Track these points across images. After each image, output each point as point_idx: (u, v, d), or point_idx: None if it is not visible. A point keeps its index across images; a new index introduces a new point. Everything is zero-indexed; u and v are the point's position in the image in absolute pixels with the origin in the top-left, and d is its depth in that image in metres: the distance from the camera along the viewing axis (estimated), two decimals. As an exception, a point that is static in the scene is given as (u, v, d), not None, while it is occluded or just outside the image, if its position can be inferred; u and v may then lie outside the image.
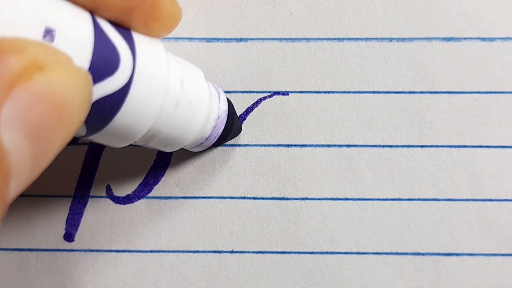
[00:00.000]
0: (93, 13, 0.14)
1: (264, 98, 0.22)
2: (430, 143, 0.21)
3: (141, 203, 0.22)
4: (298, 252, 0.21)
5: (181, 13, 0.17)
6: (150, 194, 0.22)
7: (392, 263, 0.21)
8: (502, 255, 0.21)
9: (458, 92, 0.22)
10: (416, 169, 0.21)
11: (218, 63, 0.22)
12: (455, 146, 0.21)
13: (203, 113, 0.18)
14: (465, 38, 0.22)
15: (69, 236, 0.22)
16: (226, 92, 0.22)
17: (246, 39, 0.22)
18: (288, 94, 0.22)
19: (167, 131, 0.17)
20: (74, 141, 0.22)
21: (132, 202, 0.22)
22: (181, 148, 0.19)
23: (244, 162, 0.22)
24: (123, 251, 0.21)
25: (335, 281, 0.21)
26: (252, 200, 0.21)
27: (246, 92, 0.22)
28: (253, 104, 0.22)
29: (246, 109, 0.22)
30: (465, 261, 0.21)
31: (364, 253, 0.21)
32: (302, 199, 0.21)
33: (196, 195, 0.21)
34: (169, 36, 0.22)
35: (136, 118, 0.15)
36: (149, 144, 0.17)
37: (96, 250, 0.21)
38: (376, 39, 0.22)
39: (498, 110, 0.21)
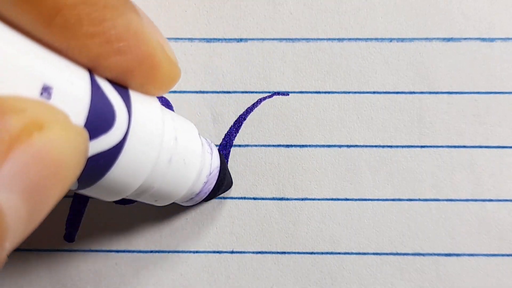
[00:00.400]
0: (91, 71, 0.14)
1: (264, 98, 0.22)
2: (430, 143, 0.21)
3: (141, 203, 0.22)
4: (298, 252, 0.21)
5: (180, 74, 0.17)
6: (150, 194, 0.22)
7: (392, 263, 0.21)
8: (502, 255, 0.21)
9: (458, 92, 0.22)
10: (416, 169, 0.21)
11: (218, 63, 0.22)
12: (455, 146, 0.21)
13: (195, 170, 0.18)
14: (465, 39, 0.22)
15: (69, 236, 0.22)
16: (226, 92, 0.22)
17: (246, 39, 0.22)
18: (288, 95, 0.22)
19: (159, 187, 0.17)
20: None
21: (132, 202, 0.22)
22: (172, 202, 0.19)
23: (244, 162, 0.22)
24: (123, 251, 0.21)
25: (335, 281, 0.21)
26: (252, 200, 0.21)
27: (246, 92, 0.22)
28: (253, 104, 0.22)
29: (246, 109, 0.22)
30: (465, 261, 0.21)
31: (364, 254, 0.21)
32: (302, 199, 0.21)
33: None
34: (169, 36, 0.22)
35: (129, 174, 0.15)
36: (140, 198, 0.17)
37: (96, 250, 0.21)
38: (376, 39, 0.22)
39: (498, 110, 0.21)
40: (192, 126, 0.18)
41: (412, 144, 0.21)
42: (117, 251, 0.21)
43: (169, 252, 0.21)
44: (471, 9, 0.22)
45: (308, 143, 0.22)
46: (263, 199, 0.21)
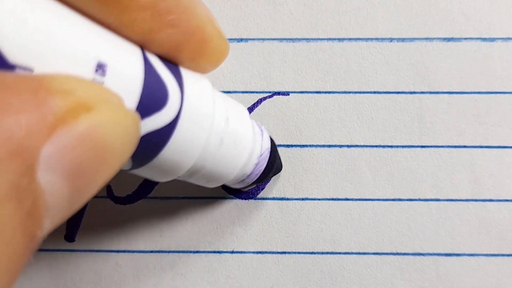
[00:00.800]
0: (143, 48, 0.14)
1: (264, 98, 0.22)
2: (430, 143, 0.21)
3: (141, 203, 0.22)
4: (298, 252, 0.21)
5: (228, 48, 0.17)
6: (150, 194, 0.22)
7: (392, 263, 0.21)
8: (502, 255, 0.21)
9: (458, 92, 0.22)
10: (416, 169, 0.21)
11: (218, 63, 0.22)
12: (455, 146, 0.21)
13: (246, 150, 0.18)
14: (465, 38, 0.22)
15: (69, 236, 0.22)
16: (226, 92, 0.22)
17: (246, 39, 0.22)
18: (288, 94, 0.22)
19: (210, 167, 0.17)
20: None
21: (132, 202, 0.22)
22: (223, 185, 0.19)
23: (244, 162, 0.22)
24: (124, 251, 0.21)
25: (335, 281, 0.21)
26: (252, 200, 0.21)
27: (246, 92, 0.22)
28: (253, 104, 0.22)
29: (246, 109, 0.22)
30: (465, 261, 0.21)
31: (364, 253, 0.21)
32: (302, 199, 0.21)
33: (196, 195, 0.22)
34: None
35: (181, 154, 0.15)
36: (192, 179, 0.17)
37: (97, 250, 0.21)
38: (377, 39, 0.22)
39: (498, 110, 0.21)
40: (242, 108, 0.18)
41: (412, 144, 0.21)
42: (117, 251, 0.21)
43: (169, 252, 0.21)
44: (472, 9, 0.22)
45: (308, 143, 0.22)
46: (263, 199, 0.21)
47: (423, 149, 0.21)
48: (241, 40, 0.22)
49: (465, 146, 0.21)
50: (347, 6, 0.22)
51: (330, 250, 0.21)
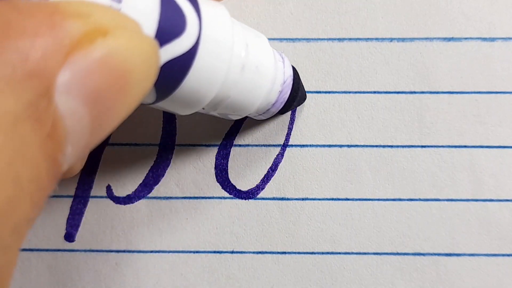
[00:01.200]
0: None
1: (265, 98, 0.22)
2: (430, 143, 0.21)
3: (141, 203, 0.22)
4: (299, 253, 0.21)
5: None
6: (150, 194, 0.22)
7: (392, 263, 0.21)
8: (503, 255, 0.21)
9: (458, 92, 0.22)
10: (417, 169, 0.21)
11: (218, 63, 0.22)
12: (455, 146, 0.21)
13: (269, 77, 0.17)
14: (465, 38, 0.22)
15: (69, 236, 0.22)
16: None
17: (246, 39, 0.22)
18: (288, 94, 0.22)
19: (234, 96, 0.16)
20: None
21: (132, 202, 0.22)
22: (247, 118, 0.18)
23: (244, 162, 0.22)
24: (124, 251, 0.21)
25: (335, 281, 0.21)
26: (252, 200, 0.21)
27: (246, 92, 0.22)
28: (254, 104, 0.22)
29: (247, 109, 0.22)
30: (465, 261, 0.21)
31: (365, 253, 0.21)
32: (302, 199, 0.21)
33: (196, 195, 0.21)
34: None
35: (204, 82, 0.15)
36: (216, 111, 0.17)
37: (97, 250, 0.21)
38: (377, 39, 0.22)
39: (498, 110, 0.21)
40: (261, 35, 0.18)
41: (413, 144, 0.21)
42: (117, 251, 0.21)
43: (169, 252, 0.21)
44: (472, 9, 0.22)
45: (308, 143, 0.22)
46: (263, 199, 0.21)
47: (423, 149, 0.21)
48: (241, 40, 0.22)
49: (465, 146, 0.21)
50: (347, 6, 0.22)
51: (330, 250, 0.21)
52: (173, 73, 0.14)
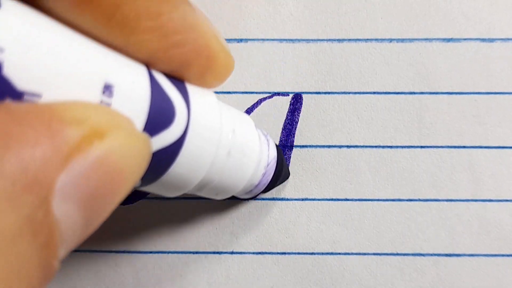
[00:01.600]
0: (148, 66, 0.14)
1: (264, 98, 0.22)
2: (430, 143, 0.21)
3: (141, 203, 0.22)
4: (298, 253, 0.21)
5: (234, 63, 0.17)
6: (150, 194, 0.22)
7: (392, 263, 0.21)
8: (503, 255, 0.21)
9: (458, 93, 0.22)
10: (416, 170, 0.21)
11: (218, 64, 0.22)
12: (455, 147, 0.21)
13: (253, 161, 0.18)
14: (465, 39, 0.22)
15: (69, 237, 0.22)
16: (226, 92, 0.22)
17: (246, 40, 0.22)
18: (288, 95, 0.22)
19: (219, 180, 0.17)
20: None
21: (132, 203, 0.22)
22: (232, 196, 0.19)
23: (244, 162, 0.22)
24: (123, 252, 0.21)
25: (335, 281, 0.21)
26: (252, 200, 0.21)
27: (246, 92, 0.22)
28: (253, 104, 0.22)
29: (246, 110, 0.22)
30: (465, 261, 0.21)
31: (364, 254, 0.21)
32: (302, 199, 0.21)
33: (196, 195, 0.21)
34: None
35: (190, 169, 0.15)
36: (201, 192, 0.17)
37: (96, 251, 0.21)
38: (376, 39, 0.22)
39: (498, 111, 0.21)
40: (248, 118, 0.18)
41: (412, 145, 0.21)
42: (117, 252, 0.21)
43: (168, 252, 0.21)
44: (471, 9, 0.22)
45: (308, 143, 0.22)
46: (263, 199, 0.21)
47: (423, 149, 0.21)
48: (241, 40, 0.22)
49: (465, 147, 0.21)
50: (347, 7, 0.22)
51: (330, 251, 0.21)
52: (159, 163, 0.14)
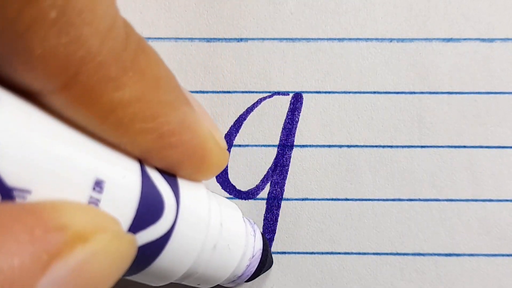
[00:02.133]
0: (141, 161, 0.14)
1: (264, 98, 0.22)
2: (430, 143, 0.21)
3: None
4: (298, 253, 0.21)
5: (228, 159, 0.16)
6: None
7: (392, 263, 0.21)
8: (503, 255, 0.21)
9: (458, 93, 0.22)
10: (416, 170, 0.21)
11: (218, 63, 0.22)
12: (455, 147, 0.21)
13: (238, 255, 0.18)
14: (465, 39, 0.22)
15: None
16: (226, 92, 0.22)
17: (246, 39, 0.22)
18: (288, 94, 0.22)
19: (202, 272, 0.17)
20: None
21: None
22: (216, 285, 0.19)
23: (244, 162, 0.22)
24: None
25: (335, 281, 0.21)
26: (252, 200, 0.21)
27: (246, 92, 0.22)
28: (253, 104, 0.22)
29: (246, 109, 0.22)
30: (465, 261, 0.21)
31: (364, 254, 0.21)
32: (302, 199, 0.21)
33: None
34: (169, 36, 0.22)
35: (175, 262, 0.15)
36: (183, 282, 0.17)
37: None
38: (376, 39, 0.22)
39: (498, 111, 0.21)
40: (236, 209, 0.18)
41: (412, 144, 0.21)
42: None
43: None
44: (471, 9, 0.22)
45: (308, 143, 0.22)
46: (263, 199, 0.21)
47: (423, 149, 0.21)
48: (241, 40, 0.22)
49: (465, 146, 0.21)
50: (347, 6, 0.22)
51: (330, 250, 0.21)
52: (144, 256, 0.14)
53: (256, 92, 0.22)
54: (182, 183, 0.15)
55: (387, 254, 0.21)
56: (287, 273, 0.21)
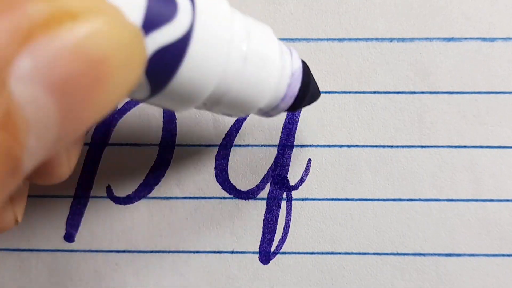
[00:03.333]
0: None
1: (265, 98, 0.22)
2: (430, 143, 0.21)
3: (141, 203, 0.22)
4: (298, 253, 0.21)
5: None
6: (150, 194, 0.22)
7: (392, 263, 0.21)
8: (503, 255, 0.21)
9: (458, 93, 0.22)
10: (417, 170, 0.21)
11: (218, 63, 0.22)
12: (455, 147, 0.21)
13: (275, 68, 0.16)
14: (465, 39, 0.22)
15: (69, 237, 0.22)
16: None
17: (246, 39, 0.22)
18: (288, 94, 0.22)
19: (237, 90, 0.15)
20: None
21: (132, 202, 0.22)
22: (247, 117, 0.17)
23: (244, 162, 0.22)
24: (124, 251, 0.21)
25: (335, 281, 0.21)
26: (252, 200, 0.21)
27: (246, 92, 0.22)
28: (254, 104, 0.22)
29: (247, 109, 0.22)
30: (465, 261, 0.21)
31: (365, 254, 0.21)
32: (303, 199, 0.21)
33: (196, 195, 0.21)
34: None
35: (200, 73, 0.14)
36: (219, 107, 0.16)
37: (97, 251, 0.21)
38: (377, 39, 0.22)
39: (498, 110, 0.21)
40: (266, 25, 0.17)
41: (413, 144, 0.21)
42: (117, 251, 0.21)
43: (169, 252, 0.21)
44: (472, 9, 0.22)
45: (308, 143, 0.22)
46: (263, 199, 0.21)
47: (423, 149, 0.21)
48: (241, 40, 0.22)
49: (465, 146, 0.21)
50: (347, 6, 0.22)
51: (330, 250, 0.21)
52: (165, 62, 0.13)
53: (256, 92, 0.22)
54: None
55: (387, 254, 0.21)
56: (287, 273, 0.21)
